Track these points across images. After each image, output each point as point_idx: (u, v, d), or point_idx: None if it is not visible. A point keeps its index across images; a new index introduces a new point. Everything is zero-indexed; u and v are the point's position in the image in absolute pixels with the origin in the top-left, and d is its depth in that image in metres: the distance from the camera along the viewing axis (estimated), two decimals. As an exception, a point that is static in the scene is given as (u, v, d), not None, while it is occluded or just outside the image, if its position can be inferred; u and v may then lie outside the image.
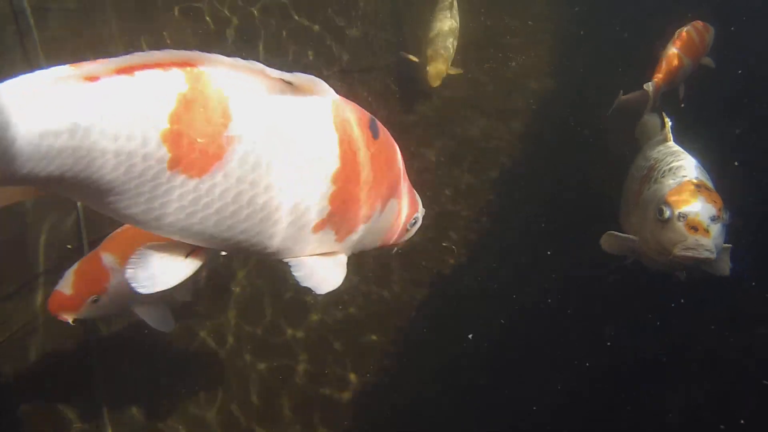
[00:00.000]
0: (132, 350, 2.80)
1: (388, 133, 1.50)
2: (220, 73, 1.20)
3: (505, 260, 4.14)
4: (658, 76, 4.09)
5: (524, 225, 4.35)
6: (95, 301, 1.86)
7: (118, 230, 1.97)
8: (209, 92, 1.18)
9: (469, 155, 4.63)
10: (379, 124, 1.46)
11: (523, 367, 3.71)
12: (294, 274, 1.40)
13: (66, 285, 1.84)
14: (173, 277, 1.32)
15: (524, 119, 4.97)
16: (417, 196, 1.71)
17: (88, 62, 1.11)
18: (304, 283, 1.40)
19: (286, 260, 1.42)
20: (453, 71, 4.59)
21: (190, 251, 1.34)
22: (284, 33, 3.87)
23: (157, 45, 3.04)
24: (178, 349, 3.06)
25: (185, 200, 1.24)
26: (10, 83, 1.05)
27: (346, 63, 4.30)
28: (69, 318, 1.85)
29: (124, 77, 1.12)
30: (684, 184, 2.69)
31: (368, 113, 1.44)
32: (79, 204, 2.50)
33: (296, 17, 4.00)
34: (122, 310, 1.99)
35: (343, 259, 1.51)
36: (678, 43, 4.20)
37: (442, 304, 3.97)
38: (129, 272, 1.29)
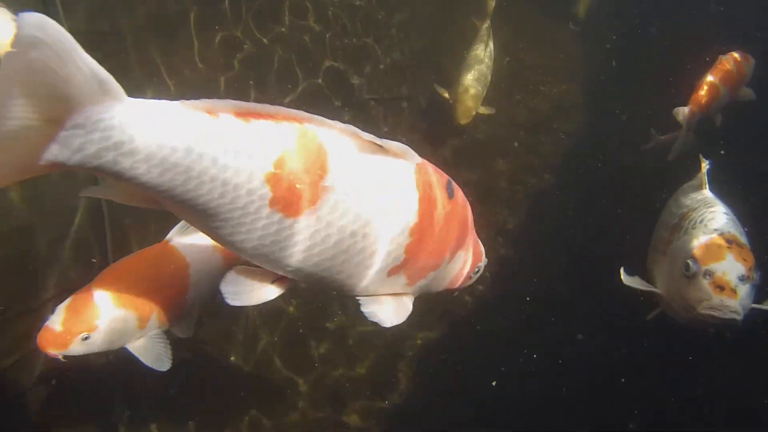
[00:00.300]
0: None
1: (462, 192, 1.66)
2: (322, 132, 1.39)
3: (535, 300, 4.02)
4: (693, 104, 3.99)
5: (552, 264, 4.24)
6: (85, 338, 1.84)
7: (111, 267, 1.96)
8: (311, 147, 1.37)
9: (497, 194, 4.57)
10: (454, 185, 1.62)
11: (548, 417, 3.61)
12: (363, 309, 1.58)
13: (56, 321, 1.82)
14: (257, 297, 1.51)
15: (554, 157, 4.89)
16: (481, 247, 1.85)
17: (213, 100, 1.29)
18: (372, 318, 1.58)
19: (357, 297, 1.60)
20: (483, 111, 4.53)
21: (276, 279, 1.53)
22: (317, 56, 3.86)
23: (184, 64, 3.04)
24: (197, 368, 3.05)
25: (280, 236, 1.41)
26: (148, 101, 1.25)
27: (377, 89, 4.27)
28: (58, 354, 1.83)
29: (240, 120, 1.32)
30: (714, 239, 2.57)
31: (446, 175, 1.60)
32: (106, 219, 2.51)
33: (331, 42, 3.99)
34: (115, 348, 1.96)
35: (409, 300, 1.68)
36: (715, 72, 4.09)
37: (474, 341, 3.88)
38: (222, 284, 1.49)
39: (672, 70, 4.34)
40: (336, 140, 1.40)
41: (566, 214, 4.49)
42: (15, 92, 1.09)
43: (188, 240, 2.07)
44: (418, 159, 1.54)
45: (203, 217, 1.38)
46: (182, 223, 2.05)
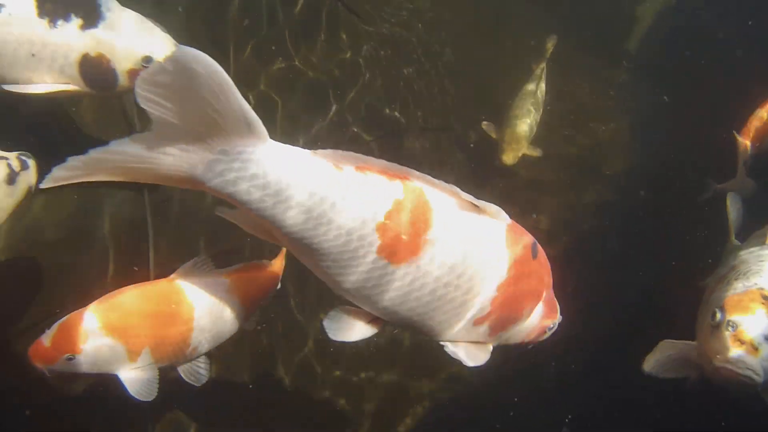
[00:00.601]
0: (182, 392, 2.72)
1: (544, 252, 1.80)
2: (428, 189, 1.55)
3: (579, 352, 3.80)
4: (746, 137, 3.80)
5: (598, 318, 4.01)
6: (70, 359, 1.85)
7: (111, 294, 1.96)
8: (418, 202, 1.53)
9: (540, 239, 4.41)
10: (538, 246, 1.76)
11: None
12: (446, 350, 1.75)
13: (48, 336, 1.86)
14: (355, 335, 1.67)
15: (601, 197, 4.79)
16: (557, 304, 1.95)
17: (338, 151, 1.48)
18: (455, 357, 1.75)
19: (442, 342, 1.75)
20: (531, 152, 4.44)
21: (372, 319, 1.68)
22: (360, 81, 3.89)
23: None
24: (227, 391, 3.01)
25: (382, 280, 1.57)
26: (286, 145, 1.44)
27: (419, 119, 4.27)
28: (44, 369, 1.86)
29: (359, 173, 1.50)
30: (750, 291, 2.39)
31: (532, 237, 1.74)
32: (150, 231, 2.54)
33: (372, 67, 4.02)
34: (103, 372, 1.93)
35: (490, 348, 1.82)
36: None
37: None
38: (325, 320, 1.66)
39: (727, 106, 4.21)
40: (439, 198, 1.56)
41: (614, 258, 4.34)
42: (181, 114, 1.30)
43: (197, 282, 2.03)
44: (509, 220, 1.68)
45: (313, 256, 1.55)
46: (192, 262, 2.03)
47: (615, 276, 4.15)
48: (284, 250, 2.23)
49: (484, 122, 4.53)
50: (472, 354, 1.76)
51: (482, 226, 1.63)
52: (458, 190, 1.57)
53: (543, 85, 4.65)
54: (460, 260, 1.59)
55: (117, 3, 2.13)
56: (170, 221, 2.75)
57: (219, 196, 1.43)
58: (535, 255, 1.74)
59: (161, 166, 1.38)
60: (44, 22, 1.99)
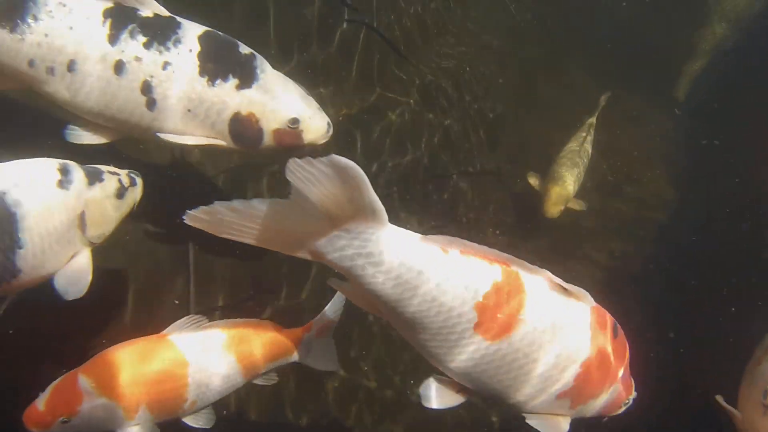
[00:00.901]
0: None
1: (623, 332, 1.91)
2: (523, 273, 1.70)
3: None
4: None
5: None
6: (65, 422, 1.84)
7: (103, 353, 1.95)
8: (515, 286, 1.67)
9: (585, 286, 4.31)
10: (618, 326, 1.88)
11: None
12: (528, 421, 1.86)
13: (41, 400, 1.86)
14: (446, 402, 1.81)
15: (647, 250, 4.71)
16: (632, 381, 2.03)
17: (445, 237, 1.65)
18: (538, 429, 1.86)
19: (524, 413, 1.86)
20: (574, 206, 4.40)
21: (461, 389, 1.82)
22: (397, 122, 3.91)
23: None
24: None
25: (476, 354, 1.70)
26: (401, 230, 1.61)
27: (461, 163, 4.26)
28: None
29: (463, 257, 1.65)
30: None
31: (613, 318, 1.87)
32: (191, 265, 2.61)
33: (424, 111, 4.03)
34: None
35: (569, 420, 1.92)
36: None
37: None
38: (421, 388, 1.81)
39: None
40: (533, 282, 1.71)
41: (659, 316, 4.22)
42: (319, 195, 1.48)
43: (191, 337, 2.03)
44: (593, 303, 1.82)
45: (414, 330, 1.70)
46: (184, 319, 2.05)
47: (662, 328, 4.03)
48: (311, 323, 2.24)
49: (530, 174, 4.52)
50: (553, 426, 1.88)
51: (570, 308, 1.77)
52: (551, 274, 1.74)
53: (591, 138, 4.61)
54: (549, 339, 1.73)
55: (269, 65, 2.22)
56: (212, 252, 2.79)
57: (334, 267, 1.61)
58: (616, 335, 1.88)
59: (290, 231, 1.57)
60: (204, 81, 2.09)
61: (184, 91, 2.09)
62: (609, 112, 4.98)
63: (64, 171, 1.83)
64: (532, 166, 4.63)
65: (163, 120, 2.12)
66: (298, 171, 1.45)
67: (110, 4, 2.08)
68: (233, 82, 2.12)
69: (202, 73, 2.09)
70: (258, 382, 2.20)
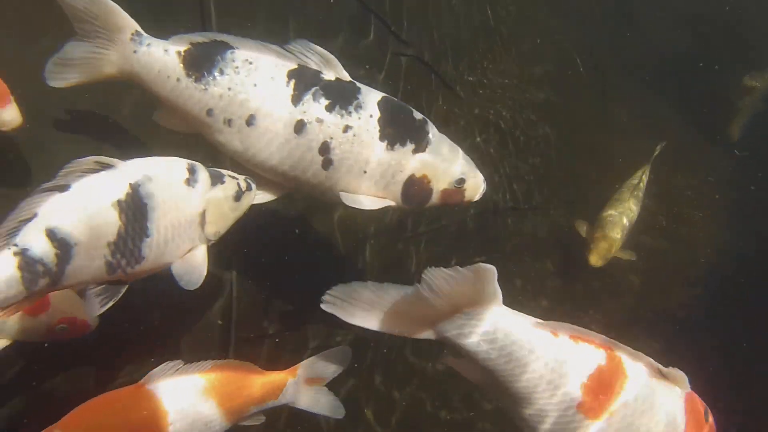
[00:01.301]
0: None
1: (712, 416, 1.99)
2: (626, 358, 1.84)
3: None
4: None
5: None
6: None
7: (80, 407, 1.89)
8: (617, 371, 1.81)
9: (629, 331, 4.25)
10: (709, 412, 1.96)
11: None
12: None
13: None
14: None
15: (696, 292, 4.62)
16: None
17: (556, 322, 1.84)
18: None
19: None
20: (622, 255, 4.32)
21: None
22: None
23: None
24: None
25: (577, 431, 1.80)
26: (514, 311, 1.83)
27: (508, 198, 4.28)
28: None
29: (572, 341, 1.82)
30: None
31: (704, 404, 1.96)
32: (234, 290, 2.69)
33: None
34: None
35: None
36: None
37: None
38: None
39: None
40: (635, 367, 1.85)
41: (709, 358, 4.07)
42: (450, 292, 1.74)
43: (169, 384, 1.98)
44: (688, 388, 1.93)
45: (517, 402, 1.82)
46: (163, 365, 2.01)
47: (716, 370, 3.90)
48: (296, 367, 2.22)
49: (578, 221, 4.44)
50: None
51: (667, 392, 1.88)
52: (651, 360, 1.87)
53: (643, 186, 4.54)
54: (646, 422, 1.83)
55: (434, 127, 2.32)
56: (254, 280, 2.85)
57: (449, 344, 1.81)
58: (707, 419, 1.96)
59: (418, 314, 1.79)
60: (384, 145, 2.20)
61: (363, 154, 2.18)
62: (664, 156, 4.91)
63: (192, 170, 1.97)
64: (580, 213, 4.57)
65: (336, 180, 2.22)
66: (438, 278, 1.71)
67: (294, 66, 2.19)
68: (410, 146, 2.22)
69: (382, 137, 2.19)
70: (244, 423, 2.17)
